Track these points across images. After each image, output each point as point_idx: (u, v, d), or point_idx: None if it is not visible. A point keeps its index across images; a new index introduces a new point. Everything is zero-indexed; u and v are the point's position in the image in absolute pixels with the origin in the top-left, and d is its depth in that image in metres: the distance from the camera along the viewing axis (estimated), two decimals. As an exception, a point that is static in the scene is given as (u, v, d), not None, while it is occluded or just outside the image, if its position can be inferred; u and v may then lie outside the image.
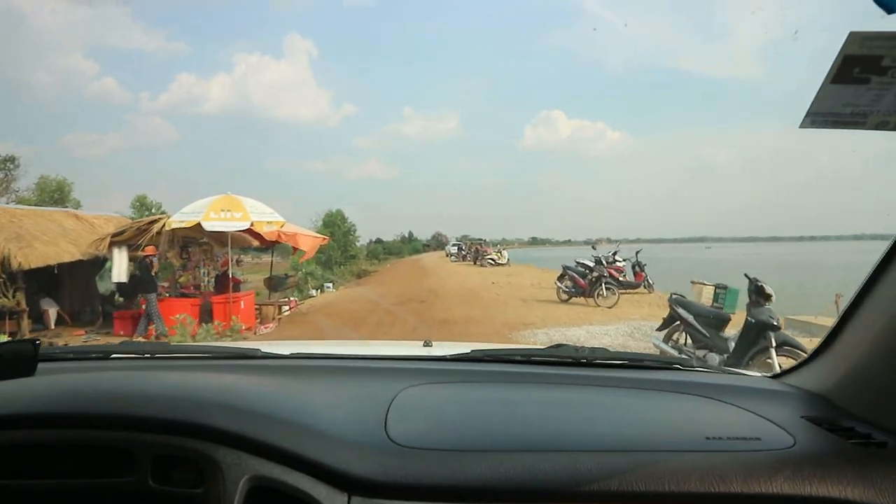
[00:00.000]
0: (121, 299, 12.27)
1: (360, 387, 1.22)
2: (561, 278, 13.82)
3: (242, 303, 10.51)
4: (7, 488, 0.86)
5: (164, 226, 9.93)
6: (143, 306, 9.80)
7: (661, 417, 1.11)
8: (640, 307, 12.53)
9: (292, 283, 15.44)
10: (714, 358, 5.12)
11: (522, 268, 29.68)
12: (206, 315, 9.92)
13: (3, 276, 9.57)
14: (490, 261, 31.50)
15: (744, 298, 10.52)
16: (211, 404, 0.92)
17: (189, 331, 8.84)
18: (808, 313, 8.77)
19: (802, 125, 0.81)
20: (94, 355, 1.48)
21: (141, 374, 1.06)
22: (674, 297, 6.15)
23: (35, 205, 18.50)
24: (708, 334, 5.40)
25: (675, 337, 6.00)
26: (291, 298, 14.04)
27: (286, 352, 1.50)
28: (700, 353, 5.36)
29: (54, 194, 24.45)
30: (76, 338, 9.85)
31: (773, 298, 4.84)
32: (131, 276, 10.73)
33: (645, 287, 15.72)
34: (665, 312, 6.19)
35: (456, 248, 46.25)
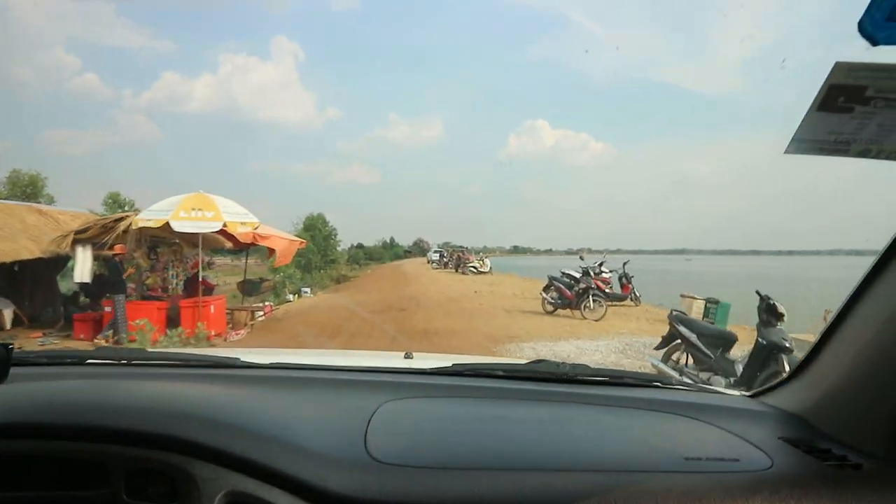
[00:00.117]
0: (86, 300, 11.60)
1: (341, 399, 1.21)
2: (546, 289, 13.31)
3: (213, 307, 9.98)
4: None
5: (130, 224, 9.35)
6: (108, 308, 9.24)
7: (641, 436, 1.10)
8: (629, 321, 12.16)
9: (268, 287, 14.93)
10: (720, 381, 4.77)
11: (504, 276, 29.36)
12: (173, 320, 9.40)
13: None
14: (472, 269, 31.11)
15: (736, 313, 10.54)
16: (188, 417, 0.91)
17: (149, 338, 8.28)
18: (793, 330, 8.65)
19: (787, 151, 0.81)
20: (68, 360, 1.45)
21: (117, 384, 1.08)
22: (674, 313, 5.76)
23: (4, 198, 17.69)
24: (712, 355, 5.03)
25: (674, 357, 5.63)
26: (266, 303, 13.56)
27: (265, 361, 1.47)
28: (703, 375, 4.99)
29: (27, 189, 23.50)
30: (32, 340, 9.21)
31: (786, 318, 4.53)
32: (97, 277, 10.16)
33: (632, 299, 15.52)
34: (653, 326, 5.89)
35: (438, 255, 45.28)
